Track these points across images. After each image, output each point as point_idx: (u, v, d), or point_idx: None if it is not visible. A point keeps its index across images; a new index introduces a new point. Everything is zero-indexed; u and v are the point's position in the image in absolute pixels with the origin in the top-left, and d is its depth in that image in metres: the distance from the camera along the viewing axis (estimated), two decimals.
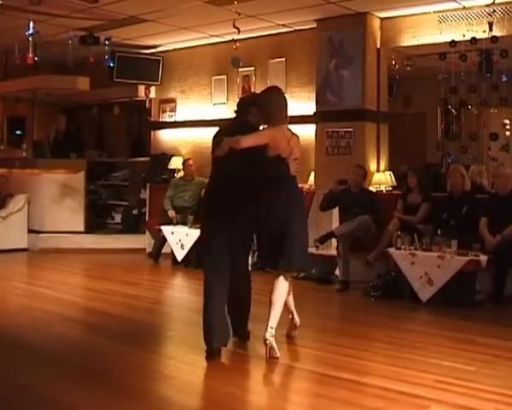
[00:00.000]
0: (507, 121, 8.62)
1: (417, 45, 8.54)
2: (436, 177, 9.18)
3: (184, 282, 8.53)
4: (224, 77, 10.27)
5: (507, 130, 8.61)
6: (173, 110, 11.19)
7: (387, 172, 8.76)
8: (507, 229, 6.73)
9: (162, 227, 9.32)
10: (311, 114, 8.97)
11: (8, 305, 6.72)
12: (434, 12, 8.18)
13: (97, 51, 10.04)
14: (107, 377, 4.27)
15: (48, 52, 10.13)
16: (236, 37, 8.40)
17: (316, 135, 8.98)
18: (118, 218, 11.68)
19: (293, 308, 5.11)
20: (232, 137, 4.63)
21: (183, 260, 8.94)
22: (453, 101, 8.71)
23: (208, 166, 10.96)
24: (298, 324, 5.15)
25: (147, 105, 11.57)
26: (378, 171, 8.77)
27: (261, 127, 4.89)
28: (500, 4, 7.66)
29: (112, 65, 10.42)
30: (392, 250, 6.96)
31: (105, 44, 10.07)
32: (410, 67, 9.76)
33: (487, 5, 7.71)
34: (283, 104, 4.84)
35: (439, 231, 6.85)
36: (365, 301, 6.95)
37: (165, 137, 11.30)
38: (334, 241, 7.88)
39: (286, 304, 4.88)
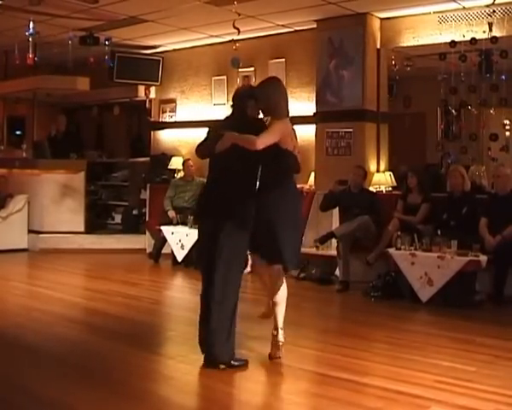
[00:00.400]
0: (507, 122, 8.62)
1: (417, 46, 8.54)
2: (436, 177, 9.18)
3: (184, 282, 8.53)
4: (224, 77, 10.27)
5: (507, 130, 8.61)
6: (173, 110, 11.19)
7: (387, 173, 8.76)
8: (507, 229, 6.74)
9: (162, 227, 9.32)
10: (311, 114, 8.97)
11: (7, 305, 6.71)
12: (434, 12, 8.18)
13: (97, 51, 10.04)
14: (107, 378, 4.28)
15: (48, 52, 10.13)
16: (236, 37, 8.40)
17: (316, 135, 8.98)
18: (118, 218, 11.68)
19: (281, 324, 4.62)
20: (237, 133, 4.36)
21: (183, 260, 8.94)
22: (453, 101, 8.71)
23: (208, 166, 10.97)
24: (281, 343, 4.61)
25: (147, 105, 11.56)
26: (378, 171, 8.77)
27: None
28: (500, 5, 7.66)
29: (112, 65, 10.42)
30: (392, 251, 6.96)
31: (105, 45, 10.07)
32: (410, 68, 9.76)
33: (487, 6, 7.71)
34: (285, 95, 4.60)
35: (438, 232, 6.85)
36: (365, 301, 6.96)
37: (165, 137, 11.31)
38: (334, 241, 7.88)
39: (274, 317, 4.61)
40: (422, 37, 8.39)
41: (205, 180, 10.30)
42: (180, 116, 11.06)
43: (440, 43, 8.22)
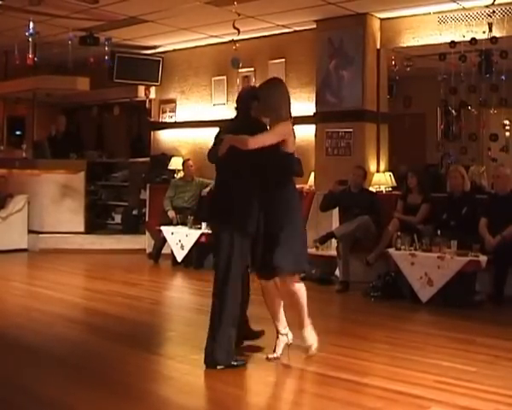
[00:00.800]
0: (507, 122, 8.62)
1: (417, 46, 8.54)
2: (436, 177, 9.19)
3: (184, 282, 8.53)
4: (224, 77, 10.27)
5: (507, 130, 8.62)
6: (173, 111, 11.18)
7: (387, 173, 8.76)
8: (507, 229, 6.74)
9: (162, 228, 9.32)
10: (311, 114, 8.97)
11: (7, 306, 6.71)
12: (434, 13, 8.18)
13: (97, 52, 10.04)
14: (107, 378, 4.27)
15: (48, 53, 10.13)
16: (236, 37, 8.40)
17: (316, 135, 8.98)
18: (118, 218, 11.68)
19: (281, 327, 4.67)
20: (235, 135, 4.38)
21: (182, 260, 8.94)
22: (453, 101, 8.71)
23: (208, 166, 10.97)
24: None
25: (147, 105, 11.57)
26: (378, 171, 8.77)
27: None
28: (500, 5, 7.66)
29: (112, 65, 10.42)
30: (392, 251, 6.96)
31: (105, 45, 10.07)
32: (410, 68, 9.76)
33: (487, 6, 7.71)
34: (287, 96, 4.54)
35: (438, 232, 6.85)
36: (365, 301, 6.96)
37: (165, 137, 11.30)
38: (334, 241, 7.88)
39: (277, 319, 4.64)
40: (422, 37, 8.39)
41: (205, 180, 10.40)
42: (180, 116, 11.06)
43: (440, 44, 8.22)
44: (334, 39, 8.76)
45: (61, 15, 8.81)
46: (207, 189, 9.81)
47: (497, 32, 7.76)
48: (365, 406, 3.79)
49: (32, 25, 8.88)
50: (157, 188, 10.44)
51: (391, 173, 8.80)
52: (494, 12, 7.72)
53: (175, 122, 11.11)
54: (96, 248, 10.34)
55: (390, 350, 5.00)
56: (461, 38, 7.99)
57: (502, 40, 7.77)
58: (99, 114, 13.23)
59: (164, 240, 9.35)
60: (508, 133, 8.62)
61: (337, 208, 8.08)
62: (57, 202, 10.60)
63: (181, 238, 8.91)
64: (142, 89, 11.34)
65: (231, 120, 4.91)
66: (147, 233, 10.44)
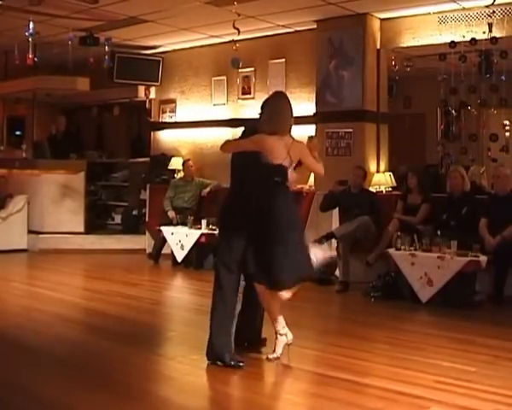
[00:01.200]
0: (507, 122, 8.61)
1: (417, 46, 8.54)
2: (436, 177, 9.18)
3: (184, 283, 8.53)
4: (224, 78, 10.27)
5: (506, 131, 8.60)
6: (173, 111, 11.18)
7: (387, 173, 8.76)
8: (507, 230, 6.74)
9: (162, 228, 9.32)
10: (311, 114, 8.97)
11: (7, 306, 6.71)
12: (434, 13, 8.18)
13: (97, 52, 10.04)
14: (107, 378, 4.27)
15: (48, 53, 10.12)
16: (236, 37, 8.39)
17: (315, 136, 8.97)
18: (118, 218, 11.69)
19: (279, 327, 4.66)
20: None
21: (182, 260, 8.94)
22: (453, 102, 8.71)
23: (208, 166, 10.98)
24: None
25: (147, 106, 11.56)
26: (378, 171, 8.77)
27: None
28: (500, 5, 7.66)
29: (112, 65, 10.42)
30: (392, 251, 6.96)
31: (105, 45, 10.07)
32: (410, 68, 9.76)
33: (487, 6, 7.70)
34: (281, 111, 4.64)
35: (438, 232, 6.85)
36: (365, 301, 6.96)
37: (165, 137, 11.30)
38: (334, 241, 7.88)
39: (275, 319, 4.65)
40: (422, 37, 8.39)
41: (205, 180, 10.38)
42: (180, 116, 11.06)
43: (440, 44, 8.22)
44: (334, 39, 8.76)
45: (60, 15, 8.80)
46: (207, 189, 9.83)
47: (497, 33, 7.76)
48: (365, 406, 3.79)
49: (31, 25, 8.87)
50: (157, 188, 10.45)
51: (391, 173, 8.80)
52: (494, 12, 7.72)
53: (175, 122, 11.11)
54: (95, 249, 10.35)
55: (390, 350, 5.00)
56: (461, 39, 7.99)
57: (502, 40, 7.77)
58: (99, 115, 13.23)
59: (164, 240, 9.35)
60: (508, 133, 8.61)
61: (337, 209, 8.08)
62: (57, 203, 10.60)
63: (181, 238, 8.91)
64: (142, 89, 11.33)
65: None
66: (147, 233, 10.45)
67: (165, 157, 10.85)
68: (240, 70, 9.68)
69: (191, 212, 9.44)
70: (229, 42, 9.02)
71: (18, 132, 13.17)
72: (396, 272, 6.93)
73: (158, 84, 11.12)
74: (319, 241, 7.96)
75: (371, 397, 3.93)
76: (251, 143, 4.65)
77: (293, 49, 9.48)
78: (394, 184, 8.71)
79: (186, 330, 5.78)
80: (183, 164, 10.13)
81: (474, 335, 5.45)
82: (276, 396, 4.16)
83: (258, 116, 4.92)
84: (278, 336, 4.63)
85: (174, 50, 10.97)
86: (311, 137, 4.99)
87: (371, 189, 8.44)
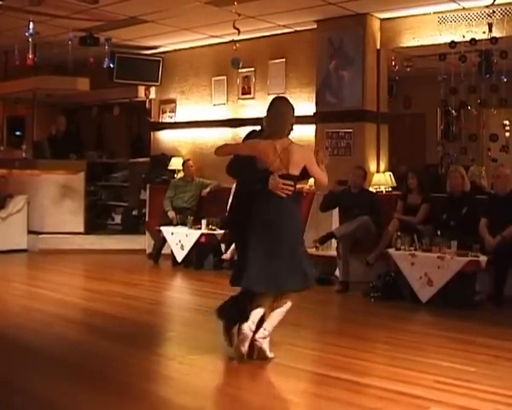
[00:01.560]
0: (507, 122, 8.61)
1: (417, 46, 8.54)
2: (436, 178, 9.19)
3: (184, 283, 8.54)
4: (224, 78, 10.27)
5: (506, 131, 8.60)
6: (173, 111, 11.18)
7: (387, 173, 8.76)
8: (507, 230, 6.74)
9: (162, 228, 9.32)
10: (311, 114, 8.97)
11: (7, 306, 6.71)
12: (434, 13, 8.18)
13: (97, 52, 10.04)
14: (107, 378, 4.27)
15: (48, 53, 10.12)
16: (236, 37, 8.39)
17: (315, 136, 8.98)
18: (118, 219, 11.69)
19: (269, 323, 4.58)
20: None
21: (182, 260, 8.94)
22: (453, 102, 8.70)
23: (208, 166, 10.98)
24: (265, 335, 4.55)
25: (147, 106, 11.56)
26: (378, 172, 8.77)
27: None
28: (500, 5, 7.66)
29: (112, 66, 10.42)
30: (392, 251, 6.96)
31: (105, 45, 10.07)
32: (410, 68, 9.76)
33: (487, 6, 7.70)
34: (277, 117, 4.64)
35: (438, 232, 6.85)
36: (365, 301, 6.96)
37: (165, 137, 11.30)
38: (334, 241, 7.88)
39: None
40: (422, 37, 8.39)
41: (205, 180, 10.40)
42: (180, 117, 11.06)
43: (440, 44, 8.22)
44: (334, 39, 8.76)
45: (61, 16, 8.81)
46: (207, 189, 9.84)
47: (497, 33, 7.76)
48: (365, 406, 3.79)
49: (32, 25, 8.88)
50: (157, 188, 10.45)
51: (391, 174, 8.80)
52: (494, 12, 7.72)
53: (175, 122, 11.11)
54: (95, 249, 10.34)
55: (390, 350, 5.00)
56: (461, 39, 7.99)
57: (502, 40, 7.76)
58: (99, 115, 13.23)
59: (164, 240, 9.35)
60: (508, 133, 8.61)
61: (337, 209, 8.08)
62: (57, 203, 10.60)
63: (181, 239, 8.92)
64: (142, 89, 11.33)
65: None
66: (147, 233, 10.45)
67: (166, 157, 10.85)
68: (240, 70, 9.67)
69: (191, 212, 9.45)
70: (230, 42, 9.02)
71: (18, 132, 13.17)
72: (396, 272, 6.93)
73: (158, 84, 11.12)
74: (319, 241, 8.00)
75: (371, 397, 3.93)
76: (243, 147, 4.74)
77: (293, 49, 9.48)
78: (394, 184, 8.71)
79: (186, 331, 5.78)
80: (183, 164, 10.13)
81: (474, 335, 5.45)
82: (275, 396, 4.16)
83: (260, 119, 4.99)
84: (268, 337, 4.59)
85: (174, 50, 10.97)
86: (317, 151, 4.95)
87: (371, 189, 8.45)
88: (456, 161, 8.85)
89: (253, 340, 4.47)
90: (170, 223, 9.41)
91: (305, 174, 4.69)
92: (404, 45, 8.66)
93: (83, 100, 12.29)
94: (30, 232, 10.47)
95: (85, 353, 4.87)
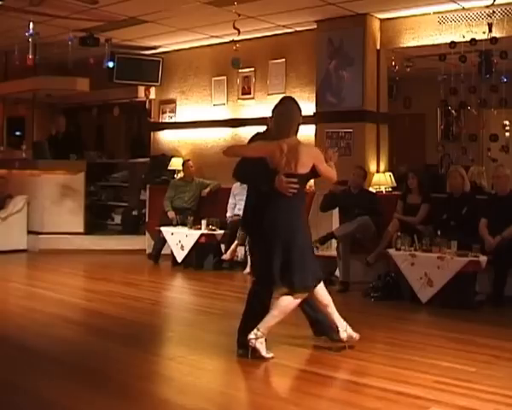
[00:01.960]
0: (507, 122, 8.60)
1: (417, 46, 8.54)
2: (436, 178, 9.18)
3: (184, 283, 8.53)
4: (224, 78, 10.27)
5: (506, 131, 8.60)
6: (173, 111, 11.18)
7: (387, 173, 8.76)
8: (507, 230, 6.74)
9: (162, 228, 9.32)
10: (311, 114, 8.97)
11: (7, 306, 6.71)
12: (434, 13, 8.18)
13: (97, 52, 10.04)
14: (107, 379, 4.27)
15: (48, 53, 10.12)
16: (236, 38, 8.40)
17: (315, 136, 8.98)
18: (118, 219, 11.68)
19: (336, 322, 4.86)
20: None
21: (182, 261, 8.94)
22: (453, 102, 8.71)
23: (208, 167, 10.97)
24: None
25: (147, 106, 11.56)
26: (378, 172, 8.77)
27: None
28: (500, 5, 7.66)
29: (112, 66, 10.42)
30: (392, 251, 6.96)
31: (105, 45, 10.07)
32: (410, 68, 9.76)
33: (487, 6, 7.70)
34: (288, 117, 4.68)
35: (438, 232, 6.85)
36: (365, 301, 6.96)
37: (165, 138, 11.30)
38: (334, 242, 7.87)
39: (331, 319, 4.84)
40: (422, 37, 8.39)
41: (204, 181, 10.40)
42: (180, 117, 11.06)
43: (440, 44, 8.22)
44: (334, 40, 8.76)
45: (61, 16, 8.81)
46: (207, 189, 9.83)
47: (497, 33, 7.76)
48: (365, 406, 3.78)
49: (32, 25, 8.88)
50: (157, 188, 10.45)
51: (391, 174, 8.80)
52: (494, 12, 7.72)
53: (175, 123, 11.11)
54: (95, 249, 10.34)
55: (390, 350, 5.00)
56: (461, 39, 7.98)
57: (502, 41, 7.76)
58: (99, 115, 13.23)
59: (164, 240, 9.34)
60: (508, 134, 8.60)
61: (337, 209, 8.08)
62: (57, 203, 10.60)
63: (181, 239, 8.91)
64: (142, 89, 11.34)
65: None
66: (147, 234, 10.45)
67: (165, 157, 10.85)
68: (240, 70, 9.68)
69: (191, 212, 9.44)
70: (230, 42, 9.03)
71: (18, 133, 13.18)
72: (396, 273, 6.92)
73: (158, 84, 11.12)
74: (319, 241, 7.99)
75: (371, 397, 3.92)
76: (251, 149, 4.79)
77: (293, 49, 9.48)
78: (394, 184, 8.71)
79: (186, 331, 5.78)
80: (183, 164, 10.13)
81: (474, 335, 5.45)
82: (275, 396, 4.15)
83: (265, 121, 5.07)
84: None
85: (174, 51, 10.98)
86: (326, 150, 5.01)
87: (371, 189, 8.44)
88: (456, 161, 8.85)
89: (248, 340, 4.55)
90: (170, 223, 9.41)
91: (315, 173, 4.72)
92: (404, 45, 8.66)
93: (83, 100, 12.30)
94: (30, 232, 10.47)
95: (85, 353, 4.86)
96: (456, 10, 8.03)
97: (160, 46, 10.81)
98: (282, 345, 4.84)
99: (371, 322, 6.00)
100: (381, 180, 8.65)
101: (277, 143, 4.59)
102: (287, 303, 4.63)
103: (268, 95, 9.65)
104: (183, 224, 9.22)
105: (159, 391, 4.09)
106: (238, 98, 10.14)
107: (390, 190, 8.66)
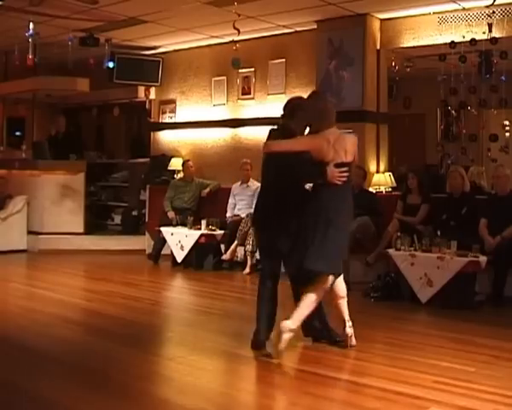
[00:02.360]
0: (506, 122, 8.61)
1: (417, 46, 8.55)
2: (435, 178, 9.18)
3: (184, 283, 8.53)
4: (224, 78, 10.27)
5: (506, 131, 8.61)
6: (173, 111, 11.18)
7: (387, 173, 8.76)
8: (506, 230, 6.74)
9: (162, 228, 9.31)
10: None
11: (7, 307, 6.71)
12: (434, 13, 8.18)
13: (97, 52, 10.05)
14: (107, 379, 4.27)
15: (48, 53, 10.12)
16: (236, 38, 8.40)
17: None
18: (117, 219, 11.69)
19: (347, 316, 5.05)
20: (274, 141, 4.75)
21: (182, 261, 8.93)
22: (453, 102, 8.72)
23: (208, 167, 10.98)
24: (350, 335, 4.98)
25: (147, 106, 11.56)
26: (378, 172, 8.77)
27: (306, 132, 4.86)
28: (500, 6, 7.67)
29: (112, 66, 10.42)
30: (391, 251, 6.96)
31: (105, 46, 10.07)
32: (410, 69, 9.77)
33: (487, 6, 7.71)
34: (327, 109, 4.79)
35: (438, 232, 6.85)
36: (365, 302, 6.95)
37: (165, 138, 11.30)
38: None
39: (339, 312, 5.03)
40: (422, 37, 8.40)
41: (204, 181, 10.39)
42: (180, 117, 11.06)
43: (440, 44, 8.22)
44: (334, 40, 8.77)
45: (61, 16, 8.82)
46: (207, 189, 9.83)
47: (496, 33, 7.76)
48: (364, 406, 3.78)
49: (32, 25, 8.88)
50: (157, 189, 10.45)
51: (391, 174, 8.80)
52: (494, 12, 7.72)
53: (175, 123, 11.11)
54: (95, 249, 10.34)
55: (389, 350, 5.00)
56: (461, 39, 7.99)
57: (502, 41, 7.77)
58: (99, 115, 13.23)
59: (164, 241, 9.34)
60: (507, 134, 8.61)
61: None
62: (57, 203, 10.59)
63: (181, 239, 8.91)
64: (142, 89, 11.34)
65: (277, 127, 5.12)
66: (146, 234, 10.45)
67: (165, 158, 10.85)
68: (240, 70, 9.68)
69: (191, 212, 9.44)
70: (230, 42, 9.03)
71: (18, 133, 13.17)
72: (396, 273, 6.92)
73: (158, 84, 11.12)
74: None
75: (370, 397, 3.92)
76: (302, 143, 4.74)
77: (293, 49, 9.48)
78: (394, 185, 8.71)
79: (186, 331, 5.78)
80: (183, 164, 10.13)
81: (474, 335, 5.45)
82: (275, 396, 4.15)
83: (280, 117, 5.00)
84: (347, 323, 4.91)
85: (174, 51, 10.98)
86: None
87: (371, 189, 8.44)
88: (456, 161, 8.84)
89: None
90: (170, 223, 9.41)
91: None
92: (404, 45, 8.66)
93: (83, 100, 12.30)
94: (30, 233, 10.47)
95: (85, 353, 4.86)
96: (456, 10, 8.04)
97: (159, 46, 10.82)
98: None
99: (371, 322, 6.00)
100: (381, 180, 8.65)
101: (323, 135, 4.66)
102: (312, 299, 4.74)
103: (268, 95, 9.65)
104: (183, 224, 9.22)
105: (159, 391, 4.09)
106: (238, 98, 10.14)
107: (390, 190, 8.66)
